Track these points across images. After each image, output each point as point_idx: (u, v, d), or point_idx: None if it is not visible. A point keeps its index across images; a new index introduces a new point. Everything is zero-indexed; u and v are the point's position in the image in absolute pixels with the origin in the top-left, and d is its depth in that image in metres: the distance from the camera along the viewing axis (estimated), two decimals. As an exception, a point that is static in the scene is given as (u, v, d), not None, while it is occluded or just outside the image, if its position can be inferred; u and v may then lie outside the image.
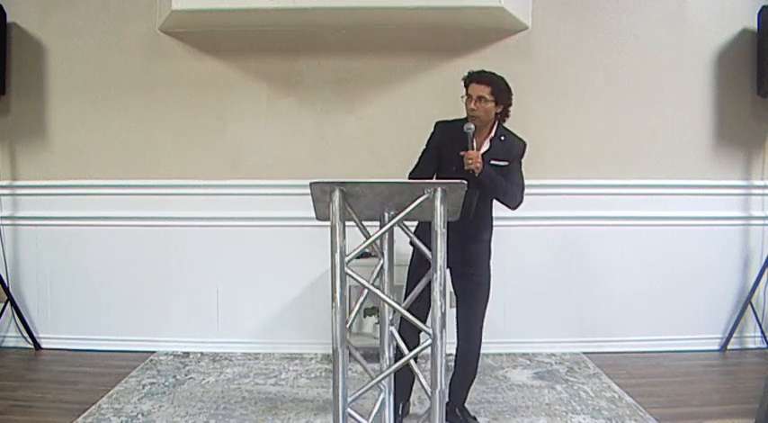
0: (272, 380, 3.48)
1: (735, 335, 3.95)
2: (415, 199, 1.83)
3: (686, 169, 3.93)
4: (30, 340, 3.95)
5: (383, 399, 2.03)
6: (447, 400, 2.84)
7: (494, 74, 2.70)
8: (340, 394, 1.83)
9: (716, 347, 3.98)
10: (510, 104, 2.74)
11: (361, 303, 1.95)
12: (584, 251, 3.93)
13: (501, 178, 2.67)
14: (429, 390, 1.85)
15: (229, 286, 3.94)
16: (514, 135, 2.79)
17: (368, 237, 1.90)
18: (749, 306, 3.91)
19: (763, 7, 3.74)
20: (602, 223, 3.91)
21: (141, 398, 3.18)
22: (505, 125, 2.80)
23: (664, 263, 3.94)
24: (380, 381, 1.96)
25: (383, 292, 1.96)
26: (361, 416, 1.98)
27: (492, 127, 2.73)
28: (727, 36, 3.90)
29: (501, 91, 2.67)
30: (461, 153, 2.60)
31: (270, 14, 3.62)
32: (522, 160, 2.81)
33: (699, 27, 3.90)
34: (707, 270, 3.96)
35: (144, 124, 3.91)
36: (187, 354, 3.90)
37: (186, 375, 3.54)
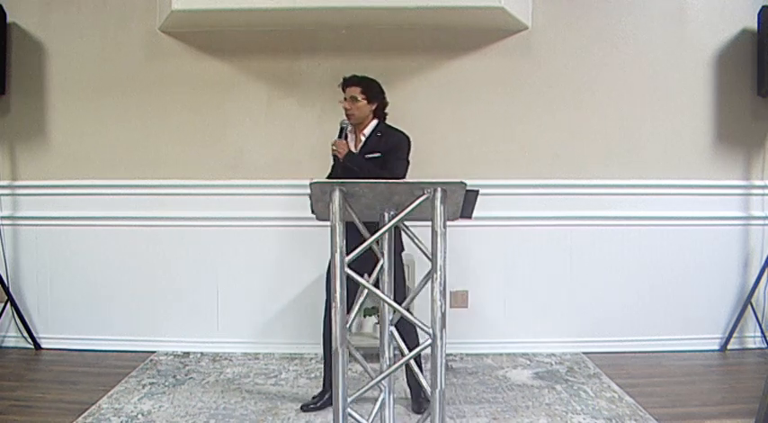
0: (272, 380, 3.48)
1: (735, 335, 3.95)
2: (415, 199, 1.83)
3: (686, 169, 3.93)
4: (30, 340, 3.95)
5: (383, 399, 2.03)
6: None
7: (364, 76, 3.04)
8: (340, 394, 1.82)
9: (716, 347, 3.99)
10: (384, 102, 3.07)
11: (361, 303, 1.94)
12: (584, 251, 3.93)
13: (369, 164, 2.93)
14: (429, 390, 1.85)
15: (229, 286, 3.95)
16: (396, 130, 3.04)
17: (368, 237, 1.90)
18: (749, 306, 3.91)
19: (763, 7, 3.75)
20: (601, 223, 3.91)
21: (141, 398, 3.18)
22: (389, 122, 3.08)
23: (664, 263, 3.94)
24: (380, 381, 1.96)
25: (383, 292, 1.96)
26: (361, 416, 1.98)
27: (368, 124, 3.03)
28: (727, 36, 3.90)
29: (370, 89, 3.00)
30: (331, 143, 2.98)
31: (270, 14, 3.62)
32: (408, 154, 3.00)
33: (699, 27, 3.90)
34: (707, 270, 3.96)
35: (144, 124, 3.91)
36: (187, 354, 3.90)
37: (186, 375, 3.54)
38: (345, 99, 3.01)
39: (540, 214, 3.89)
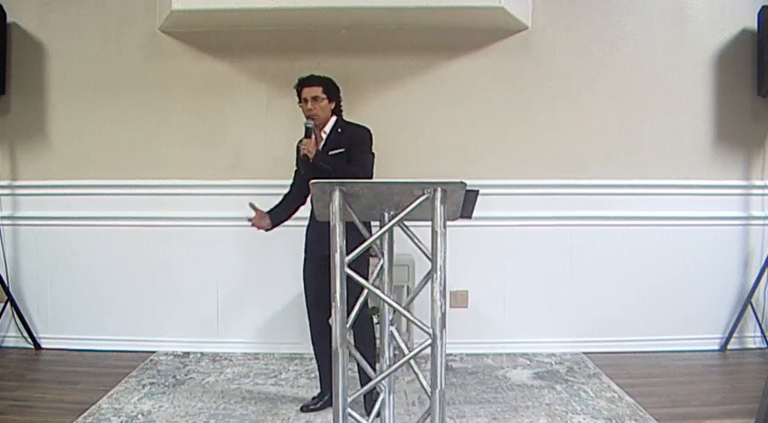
0: (272, 380, 3.48)
1: (735, 335, 3.95)
2: (415, 199, 1.83)
3: (686, 169, 3.93)
4: (30, 340, 3.95)
5: (383, 399, 2.03)
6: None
7: (321, 75, 3.04)
8: (340, 394, 1.82)
9: (716, 347, 3.99)
10: (340, 100, 3.08)
11: (362, 303, 1.94)
12: (584, 251, 3.93)
13: (337, 161, 2.91)
14: (429, 390, 1.85)
15: (229, 286, 3.95)
16: (356, 125, 3.05)
17: (368, 237, 1.90)
18: (749, 306, 3.91)
19: (763, 7, 3.75)
20: (601, 223, 3.91)
21: (141, 398, 3.18)
22: (347, 118, 3.12)
23: (664, 263, 3.94)
24: (380, 381, 1.96)
25: (383, 292, 1.96)
26: (362, 416, 1.98)
27: (328, 122, 3.04)
28: (727, 36, 3.90)
29: (330, 88, 3.02)
30: (298, 144, 2.99)
31: (270, 14, 3.62)
32: (372, 146, 3.01)
33: (699, 27, 3.90)
34: (707, 270, 3.96)
35: (144, 124, 3.91)
36: (187, 354, 3.90)
37: (186, 375, 3.54)
38: (306, 100, 2.98)
39: (539, 214, 3.89)
